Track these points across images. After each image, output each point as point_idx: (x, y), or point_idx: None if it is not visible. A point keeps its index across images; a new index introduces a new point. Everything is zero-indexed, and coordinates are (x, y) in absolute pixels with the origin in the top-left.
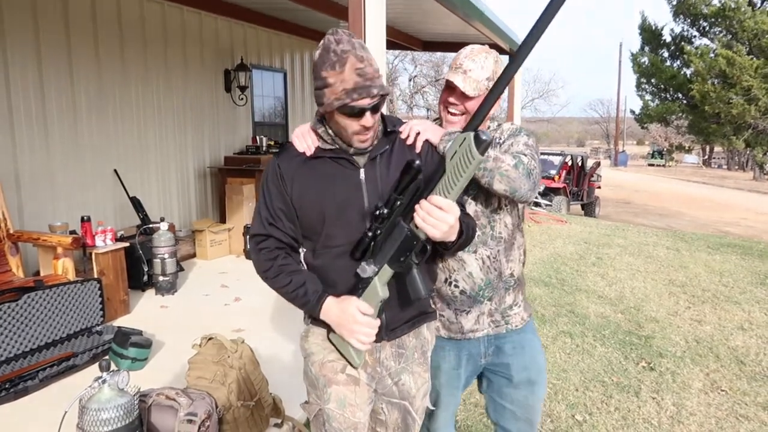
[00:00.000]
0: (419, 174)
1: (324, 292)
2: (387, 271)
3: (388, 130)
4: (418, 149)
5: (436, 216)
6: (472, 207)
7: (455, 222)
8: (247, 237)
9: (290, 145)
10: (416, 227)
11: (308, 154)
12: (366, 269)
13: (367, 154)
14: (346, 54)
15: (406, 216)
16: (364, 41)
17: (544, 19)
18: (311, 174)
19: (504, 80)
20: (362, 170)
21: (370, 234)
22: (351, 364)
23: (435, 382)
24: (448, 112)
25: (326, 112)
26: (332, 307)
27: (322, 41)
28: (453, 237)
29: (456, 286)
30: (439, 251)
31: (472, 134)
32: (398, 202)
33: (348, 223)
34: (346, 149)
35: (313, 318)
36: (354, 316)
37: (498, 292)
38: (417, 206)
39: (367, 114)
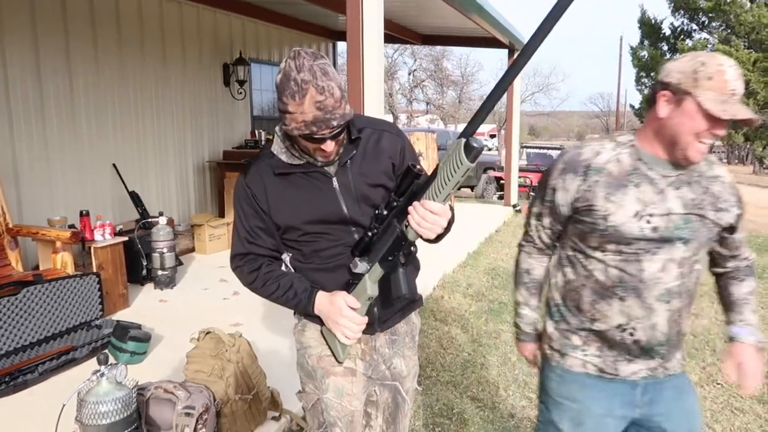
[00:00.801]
0: (418, 178)
1: (313, 288)
2: (377, 270)
3: (353, 138)
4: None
5: (430, 220)
6: (679, 252)
7: (446, 223)
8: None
9: (253, 161)
10: (406, 228)
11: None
12: (358, 265)
13: (337, 161)
14: (306, 85)
15: (400, 217)
16: (363, 35)
17: (548, 22)
18: (285, 187)
19: (503, 85)
20: (335, 178)
21: (370, 234)
22: (336, 359)
23: (578, 430)
24: (701, 141)
25: (285, 132)
26: (323, 300)
27: (282, 64)
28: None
29: (631, 335)
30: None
31: (463, 141)
32: (395, 204)
33: (329, 231)
34: (314, 163)
35: (304, 315)
36: (341, 308)
37: (671, 350)
38: (411, 209)
39: (327, 141)
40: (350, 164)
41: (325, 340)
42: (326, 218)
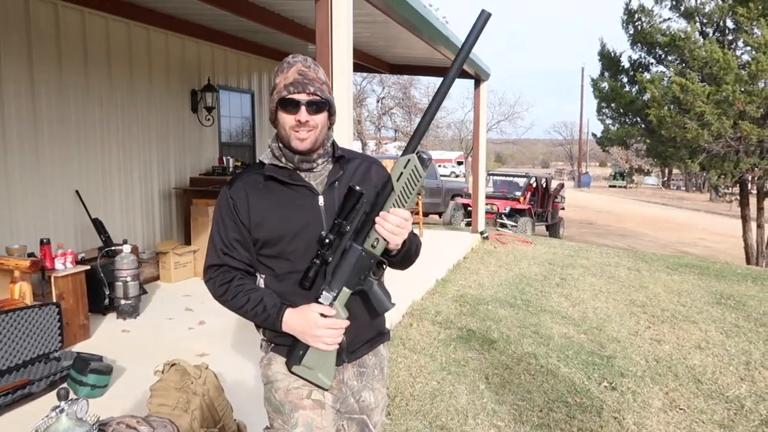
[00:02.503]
0: (362, 198)
1: (283, 304)
2: (345, 293)
3: (337, 155)
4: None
5: (401, 225)
6: None
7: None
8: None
9: (240, 173)
10: (373, 247)
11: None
12: (327, 296)
13: (325, 180)
14: (296, 61)
15: (357, 238)
16: (332, 63)
17: (468, 41)
18: (270, 200)
19: (436, 101)
20: (321, 197)
21: (317, 261)
22: (322, 388)
23: None
24: None
25: (272, 115)
26: (293, 317)
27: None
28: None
29: None
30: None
31: (415, 156)
32: (347, 227)
33: (307, 249)
34: (291, 158)
35: (275, 344)
36: (315, 321)
37: None
38: (380, 220)
39: (303, 109)
40: (338, 185)
41: (301, 377)
42: (306, 235)
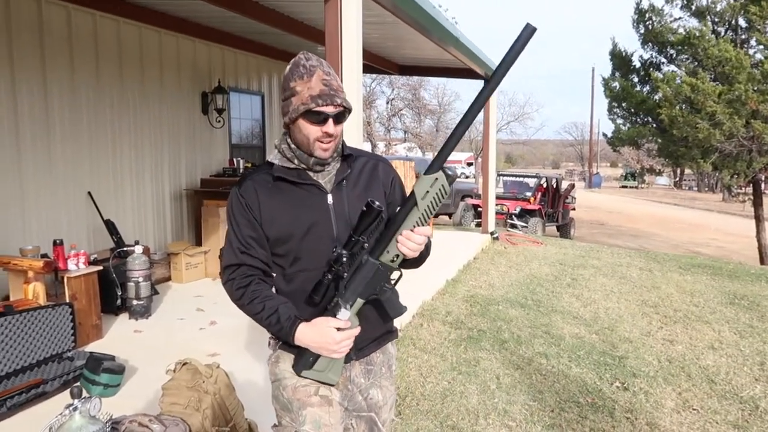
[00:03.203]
0: (380, 215)
1: (297, 318)
2: (359, 303)
3: (346, 153)
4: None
5: (423, 243)
6: None
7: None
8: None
9: (249, 173)
10: (392, 261)
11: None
12: (345, 313)
13: (333, 179)
14: (315, 68)
15: (373, 253)
16: (341, 64)
17: (513, 52)
18: (280, 199)
19: (471, 115)
20: (330, 195)
21: (329, 276)
22: (329, 384)
23: None
24: None
25: (291, 121)
26: (307, 333)
27: (293, 59)
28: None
29: None
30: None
31: (443, 174)
32: (364, 243)
33: (317, 247)
34: (306, 160)
35: (282, 342)
36: (334, 337)
37: None
38: (403, 239)
39: (330, 121)
40: (346, 184)
41: (312, 379)
42: (315, 233)
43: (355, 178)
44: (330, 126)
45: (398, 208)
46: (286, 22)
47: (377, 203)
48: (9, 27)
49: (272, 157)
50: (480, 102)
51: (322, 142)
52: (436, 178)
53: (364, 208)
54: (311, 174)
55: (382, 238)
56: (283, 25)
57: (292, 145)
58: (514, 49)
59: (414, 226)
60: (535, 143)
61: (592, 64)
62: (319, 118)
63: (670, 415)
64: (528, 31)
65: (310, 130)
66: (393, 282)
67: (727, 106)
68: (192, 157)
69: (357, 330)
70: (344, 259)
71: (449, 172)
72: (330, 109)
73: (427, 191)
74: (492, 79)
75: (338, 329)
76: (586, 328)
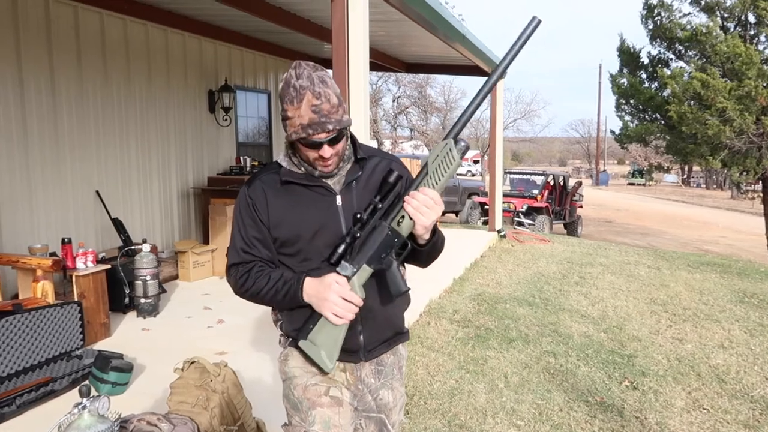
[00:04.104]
0: (399, 180)
1: (302, 273)
2: (365, 271)
3: (359, 156)
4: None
5: (428, 205)
6: None
7: (437, 217)
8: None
9: (258, 173)
10: (398, 225)
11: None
12: (346, 267)
13: (343, 180)
14: (304, 90)
15: (386, 217)
16: (348, 63)
17: (519, 41)
18: (288, 200)
19: (482, 92)
20: (339, 196)
21: (348, 239)
22: (323, 370)
23: None
24: None
25: (287, 140)
26: (312, 284)
27: (285, 74)
28: (428, 234)
29: None
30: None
31: (452, 140)
32: (378, 205)
33: (326, 247)
34: (312, 171)
35: (292, 338)
36: (330, 284)
37: None
38: (408, 197)
39: (325, 146)
40: (355, 185)
41: (306, 352)
42: (324, 235)
43: (366, 178)
44: (325, 150)
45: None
46: (293, 21)
47: (396, 172)
48: (17, 26)
49: (281, 158)
50: (487, 87)
51: (320, 162)
52: (446, 143)
53: (385, 173)
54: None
55: (394, 202)
56: (289, 23)
57: (298, 155)
58: (521, 40)
59: (432, 187)
60: (542, 140)
61: (599, 61)
62: (314, 145)
63: (680, 414)
64: (534, 24)
65: (308, 153)
66: (400, 255)
67: (738, 102)
68: (199, 155)
69: (358, 299)
70: (364, 219)
71: (462, 142)
72: (322, 136)
73: (437, 155)
74: (498, 67)
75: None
76: (594, 326)
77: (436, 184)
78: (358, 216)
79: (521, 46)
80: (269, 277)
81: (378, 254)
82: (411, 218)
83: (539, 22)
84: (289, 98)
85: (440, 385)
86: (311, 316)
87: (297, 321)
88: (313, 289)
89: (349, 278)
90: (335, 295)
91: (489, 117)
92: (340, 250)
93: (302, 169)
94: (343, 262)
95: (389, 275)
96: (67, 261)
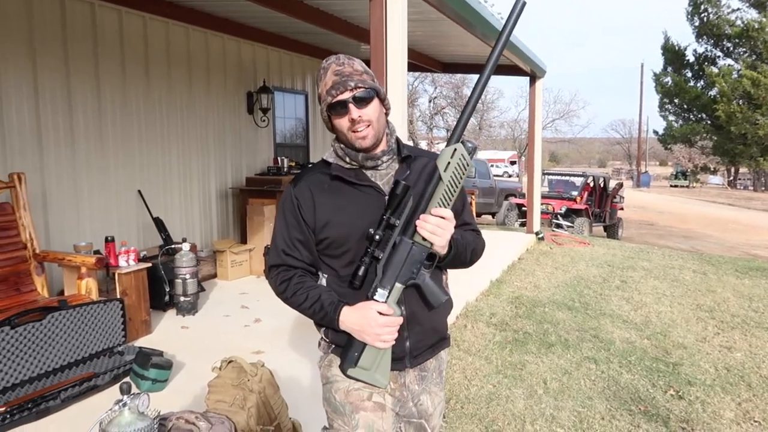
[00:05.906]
0: (409, 192)
1: (340, 301)
2: (397, 289)
3: (404, 155)
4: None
5: (442, 226)
6: None
7: (451, 233)
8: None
9: (305, 173)
10: (422, 239)
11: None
12: (383, 294)
13: (391, 180)
14: (329, 64)
15: (406, 232)
16: (386, 63)
17: (507, 28)
18: (336, 200)
19: (477, 90)
20: (387, 197)
21: (367, 260)
22: (379, 387)
23: None
24: None
25: (326, 122)
26: (350, 315)
27: None
28: (446, 249)
29: None
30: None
31: (461, 144)
32: (395, 222)
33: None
34: (355, 157)
35: (335, 345)
36: (375, 319)
37: None
38: (420, 221)
39: (351, 106)
40: None
41: (358, 379)
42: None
43: (414, 179)
44: (353, 111)
45: (424, 186)
46: (330, 21)
47: (404, 182)
48: (64, 30)
49: (328, 155)
50: (486, 74)
51: (354, 131)
52: (455, 149)
53: (392, 186)
54: (368, 174)
55: (412, 216)
56: (326, 23)
57: (341, 145)
58: (508, 27)
59: (441, 200)
60: (581, 141)
61: (641, 60)
62: (341, 107)
63: (729, 426)
64: (519, 5)
65: (340, 124)
66: (429, 265)
67: None
68: (238, 156)
69: (399, 319)
70: (377, 238)
71: (469, 144)
72: (346, 95)
73: (449, 162)
74: (490, 57)
75: (381, 314)
76: (637, 332)
77: (451, 197)
78: (376, 237)
79: (509, 34)
80: (307, 295)
81: (408, 271)
82: (427, 239)
83: (524, 4)
84: (319, 77)
85: (477, 389)
86: (352, 342)
87: (342, 333)
88: (352, 323)
89: (386, 302)
90: (382, 327)
91: (527, 117)
92: (361, 272)
93: (347, 160)
94: (379, 289)
95: (425, 288)
96: (110, 259)
